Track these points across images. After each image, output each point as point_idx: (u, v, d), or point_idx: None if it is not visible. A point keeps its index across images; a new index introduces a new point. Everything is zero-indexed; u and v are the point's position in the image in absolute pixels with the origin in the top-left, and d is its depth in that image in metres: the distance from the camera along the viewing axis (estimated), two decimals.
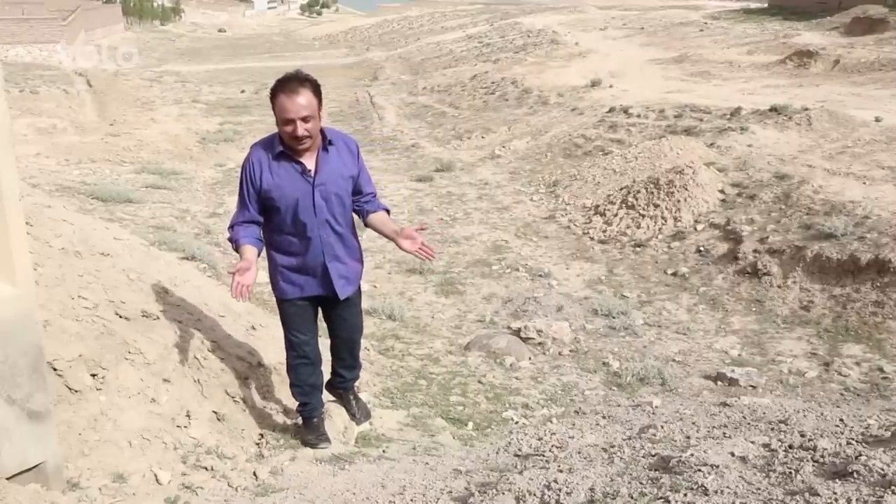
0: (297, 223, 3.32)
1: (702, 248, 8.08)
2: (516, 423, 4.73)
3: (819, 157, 9.62)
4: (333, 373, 3.95)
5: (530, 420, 4.79)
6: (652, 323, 6.81)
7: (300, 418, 3.85)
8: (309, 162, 3.29)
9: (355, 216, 3.57)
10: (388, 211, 3.61)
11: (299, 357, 3.63)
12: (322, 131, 3.29)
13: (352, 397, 4.08)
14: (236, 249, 3.35)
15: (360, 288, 3.75)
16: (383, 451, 3.89)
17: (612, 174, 10.57)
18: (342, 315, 3.69)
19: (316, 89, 3.18)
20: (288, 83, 3.13)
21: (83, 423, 3.08)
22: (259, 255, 3.34)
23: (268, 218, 3.38)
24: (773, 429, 3.09)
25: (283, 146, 3.25)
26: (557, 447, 3.66)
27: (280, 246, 3.43)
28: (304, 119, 3.13)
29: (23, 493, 2.46)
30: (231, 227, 3.37)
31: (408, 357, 5.80)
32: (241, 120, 17.41)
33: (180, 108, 18.56)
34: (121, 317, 3.68)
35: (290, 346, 3.63)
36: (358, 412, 4.08)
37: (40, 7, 30.31)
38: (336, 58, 33.12)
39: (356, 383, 4.21)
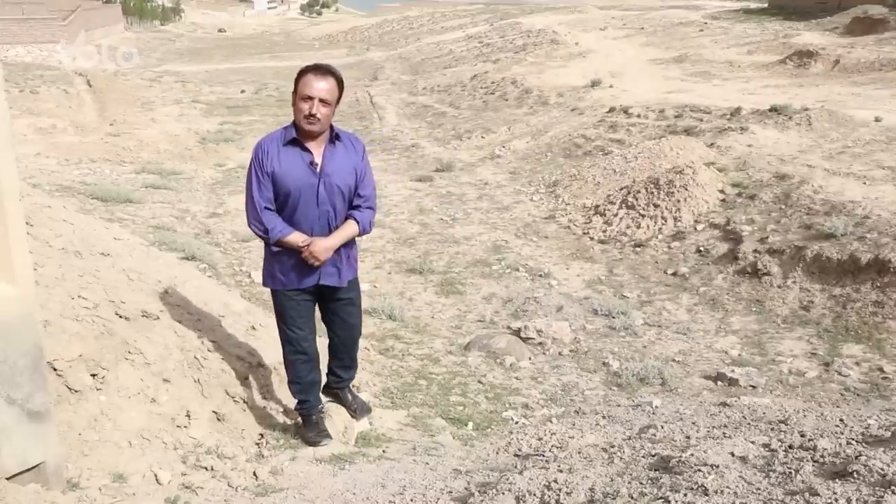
0: (299, 210, 3.39)
1: (702, 248, 8.08)
2: (516, 423, 4.73)
3: (819, 157, 9.62)
4: (330, 372, 3.95)
5: (530, 420, 4.78)
6: (652, 323, 6.80)
7: (300, 417, 3.86)
8: (317, 153, 3.40)
9: None
10: (361, 225, 3.51)
11: (297, 353, 3.64)
12: (331, 126, 3.43)
13: (349, 393, 4.09)
14: (275, 240, 3.38)
15: (358, 289, 3.79)
16: (383, 451, 3.89)
17: (612, 174, 10.56)
18: (341, 315, 3.71)
19: (340, 84, 3.38)
20: (318, 67, 3.36)
21: (83, 423, 3.08)
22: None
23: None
24: (773, 429, 3.09)
25: (295, 131, 3.37)
26: (557, 447, 3.65)
27: None
28: (323, 102, 3.29)
29: (23, 493, 2.46)
30: (263, 209, 3.35)
31: (408, 357, 5.81)
32: (241, 120, 17.40)
33: (180, 108, 18.54)
34: (121, 317, 3.68)
35: (287, 340, 3.64)
36: (357, 407, 4.09)
37: (40, 7, 30.35)
38: (336, 58, 33.03)
39: (354, 383, 4.21)
